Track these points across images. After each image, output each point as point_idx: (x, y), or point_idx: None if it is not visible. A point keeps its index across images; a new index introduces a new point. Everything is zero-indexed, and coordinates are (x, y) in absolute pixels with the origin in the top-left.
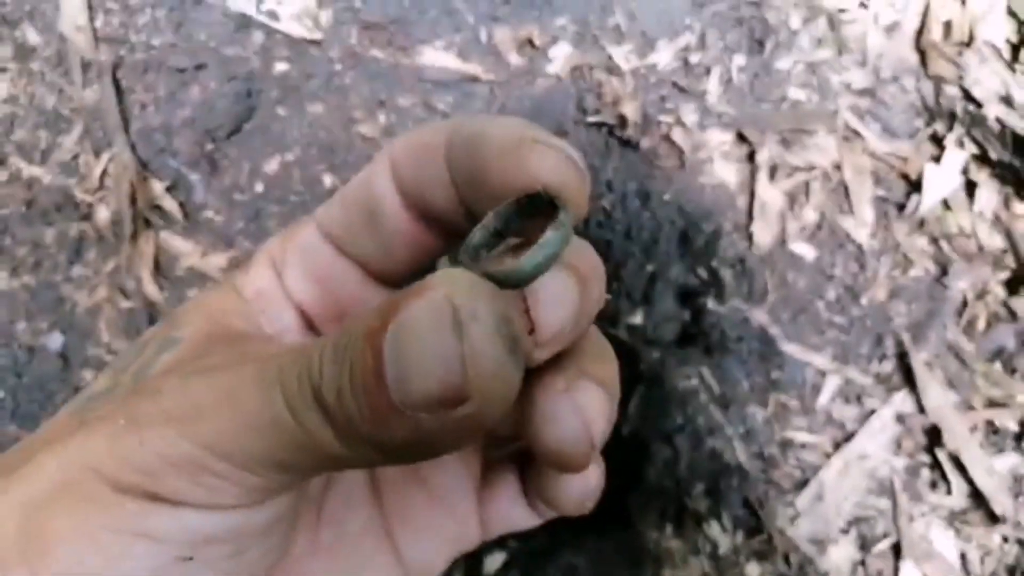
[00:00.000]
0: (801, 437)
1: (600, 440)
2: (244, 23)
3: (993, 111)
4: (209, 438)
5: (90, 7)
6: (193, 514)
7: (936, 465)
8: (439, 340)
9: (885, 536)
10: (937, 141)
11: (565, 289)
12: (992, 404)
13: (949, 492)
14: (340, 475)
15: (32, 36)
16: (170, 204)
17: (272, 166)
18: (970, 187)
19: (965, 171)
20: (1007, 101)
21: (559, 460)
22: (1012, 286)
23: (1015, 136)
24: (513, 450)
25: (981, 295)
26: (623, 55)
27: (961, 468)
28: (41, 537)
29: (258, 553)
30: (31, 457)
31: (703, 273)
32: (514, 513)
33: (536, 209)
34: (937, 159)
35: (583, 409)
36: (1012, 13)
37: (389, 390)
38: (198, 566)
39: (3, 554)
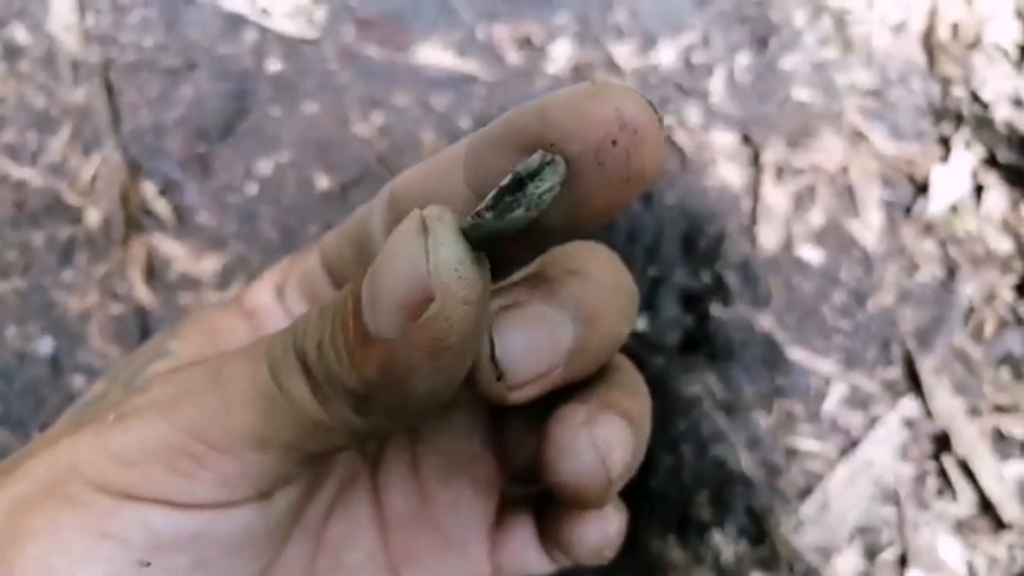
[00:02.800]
0: (806, 444)
1: (620, 475)
2: (236, 22)
3: (1001, 113)
4: (190, 420)
5: (80, 7)
6: (159, 514)
7: (942, 472)
8: (407, 245)
9: (891, 545)
10: (944, 143)
11: (537, 338)
12: (1000, 410)
13: (955, 499)
14: (344, 504)
15: (21, 36)
16: (162, 207)
17: (266, 167)
18: (978, 190)
19: (973, 174)
20: (1015, 103)
21: (574, 495)
22: (1021, 290)
23: (1023, 138)
24: (532, 492)
25: (989, 300)
26: (624, 54)
27: (968, 475)
28: (16, 535)
29: (223, 570)
30: (27, 460)
31: (707, 277)
32: (528, 557)
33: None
34: (944, 161)
35: (602, 442)
36: (1020, 15)
37: (364, 323)
38: (155, 574)
39: None
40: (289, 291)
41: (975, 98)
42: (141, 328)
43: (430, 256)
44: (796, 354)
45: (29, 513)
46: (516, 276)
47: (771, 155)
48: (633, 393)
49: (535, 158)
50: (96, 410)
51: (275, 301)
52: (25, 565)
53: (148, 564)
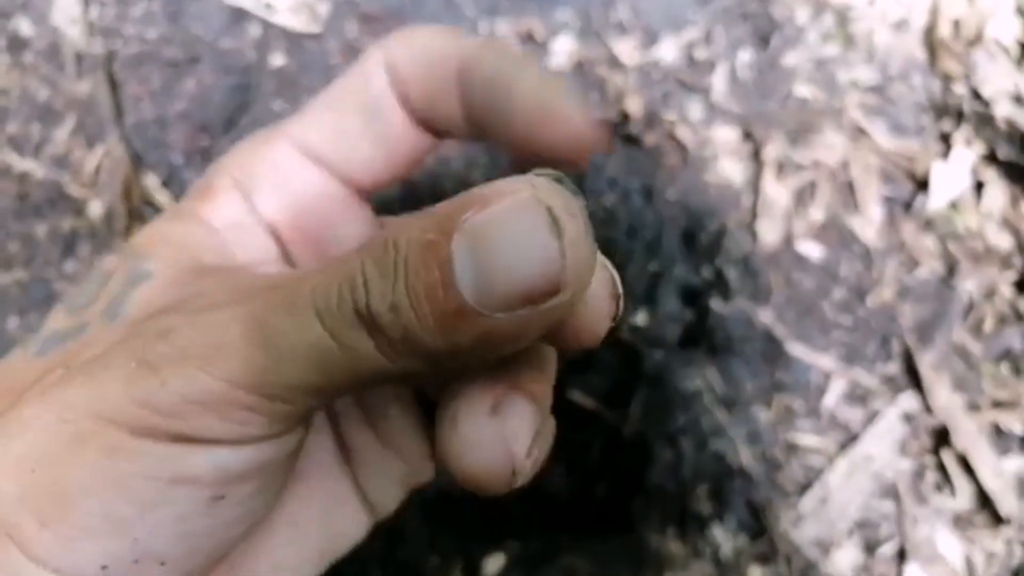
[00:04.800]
0: (806, 439)
1: (525, 469)
2: (240, 16)
3: (1001, 110)
4: (237, 373)
5: None
6: (226, 451)
7: (941, 467)
8: (536, 238)
9: (890, 539)
10: (945, 140)
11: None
12: (999, 405)
13: (954, 494)
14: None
15: (25, 28)
16: (164, 199)
17: None
18: (978, 187)
19: (973, 170)
20: (1016, 100)
21: (477, 486)
22: (1020, 287)
23: (1023, 136)
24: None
25: (989, 296)
26: (626, 50)
27: (967, 470)
28: (58, 494)
29: (275, 487)
30: (12, 412)
31: (707, 273)
32: None
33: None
34: (945, 158)
35: (511, 435)
36: (1021, 12)
37: (462, 296)
38: (227, 505)
39: (9, 518)
40: (259, 192)
41: (976, 95)
42: None
43: (567, 257)
44: (796, 349)
45: (65, 468)
46: None
47: (772, 151)
48: (541, 370)
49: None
50: (83, 348)
51: (246, 210)
52: (87, 520)
53: (222, 497)
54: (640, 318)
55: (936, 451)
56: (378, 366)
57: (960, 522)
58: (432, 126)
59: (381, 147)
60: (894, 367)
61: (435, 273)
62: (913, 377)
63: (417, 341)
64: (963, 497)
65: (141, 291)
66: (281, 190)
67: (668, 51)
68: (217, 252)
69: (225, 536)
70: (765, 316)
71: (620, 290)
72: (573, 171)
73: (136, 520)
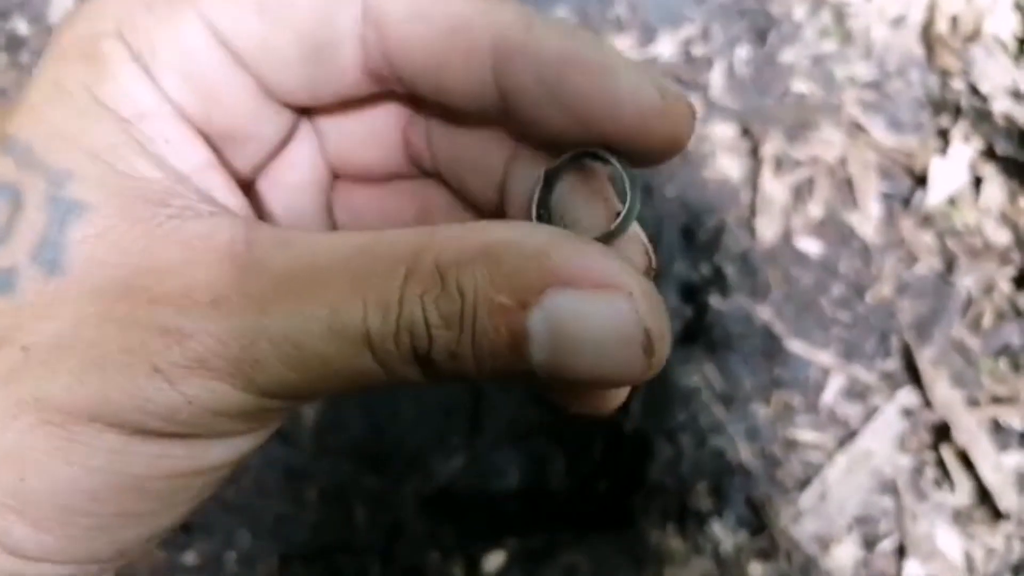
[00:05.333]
0: (805, 435)
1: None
2: None
3: (999, 106)
4: (267, 388)
5: None
6: (228, 441)
7: (940, 463)
8: (627, 354)
9: (889, 535)
10: (943, 135)
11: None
12: (998, 401)
13: (953, 490)
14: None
15: (22, 27)
16: None
17: None
18: (976, 182)
19: (971, 166)
20: (1013, 95)
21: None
22: (1019, 282)
23: (1021, 131)
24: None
25: (987, 291)
26: (624, 47)
27: (966, 465)
28: (59, 504)
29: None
30: None
31: (706, 269)
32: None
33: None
34: (943, 154)
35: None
36: (1019, 7)
37: (531, 365)
38: (212, 476)
39: None
40: (165, 76)
41: (974, 91)
42: None
43: (650, 371)
44: (795, 345)
45: (59, 476)
46: None
47: (770, 147)
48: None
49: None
50: (27, 315)
51: (158, 95)
52: (96, 522)
53: (211, 474)
54: None
55: (935, 447)
56: (414, 382)
57: (959, 517)
58: (403, 85)
59: (314, 79)
60: (893, 363)
61: (505, 338)
62: (912, 373)
63: (467, 376)
64: (962, 492)
65: (77, 231)
66: (189, 78)
67: (666, 48)
68: (150, 160)
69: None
70: (764, 312)
71: (651, 254)
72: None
73: (145, 513)
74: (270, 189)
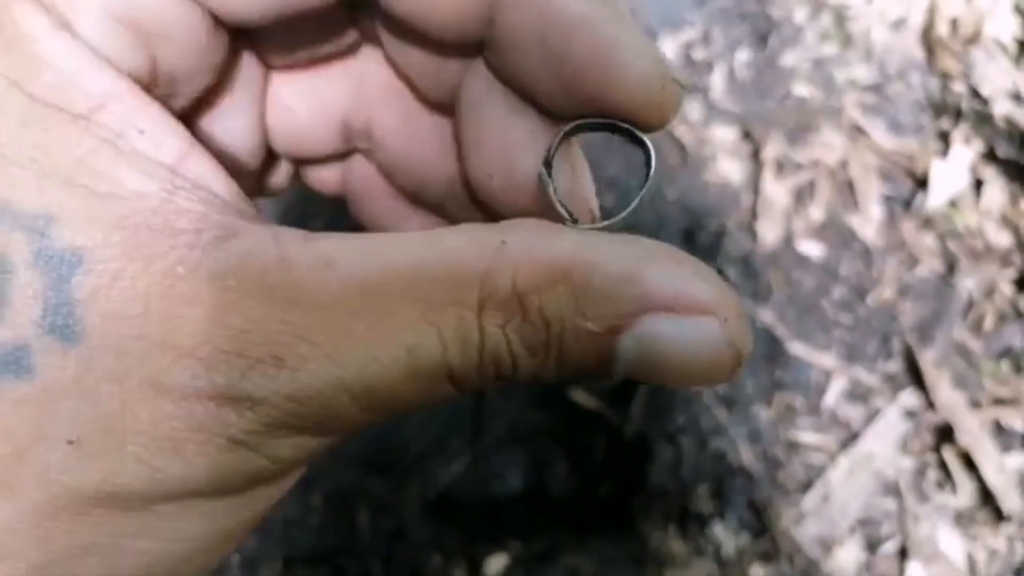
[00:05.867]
0: (807, 437)
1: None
2: None
3: (1000, 108)
4: (348, 431)
5: None
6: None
7: (943, 465)
8: (719, 372)
9: (891, 537)
10: (944, 138)
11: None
12: (1000, 403)
13: (955, 492)
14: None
15: None
16: None
17: None
18: (977, 185)
19: (972, 168)
20: (1014, 98)
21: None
22: (1020, 284)
23: (1022, 133)
24: None
25: (988, 293)
26: None
27: (969, 467)
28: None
29: None
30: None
31: None
32: None
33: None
34: (944, 156)
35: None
36: (1019, 10)
37: (614, 372)
38: None
39: None
40: (98, 31)
41: (974, 93)
42: None
43: (737, 375)
44: (796, 348)
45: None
46: None
47: (771, 150)
48: None
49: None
50: (52, 394)
51: (97, 66)
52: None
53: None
54: None
55: (937, 449)
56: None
57: (962, 519)
58: (381, 17)
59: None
60: (895, 365)
61: (592, 359)
62: (914, 375)
63: (539, 382)
64: (964, 494)
65: (82, 286)
66: (126, 22)
67: (666, 51)
68: (130, 167)
69: None
70: (765, 315)
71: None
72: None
73: (225, 551)
74: (205, 115)
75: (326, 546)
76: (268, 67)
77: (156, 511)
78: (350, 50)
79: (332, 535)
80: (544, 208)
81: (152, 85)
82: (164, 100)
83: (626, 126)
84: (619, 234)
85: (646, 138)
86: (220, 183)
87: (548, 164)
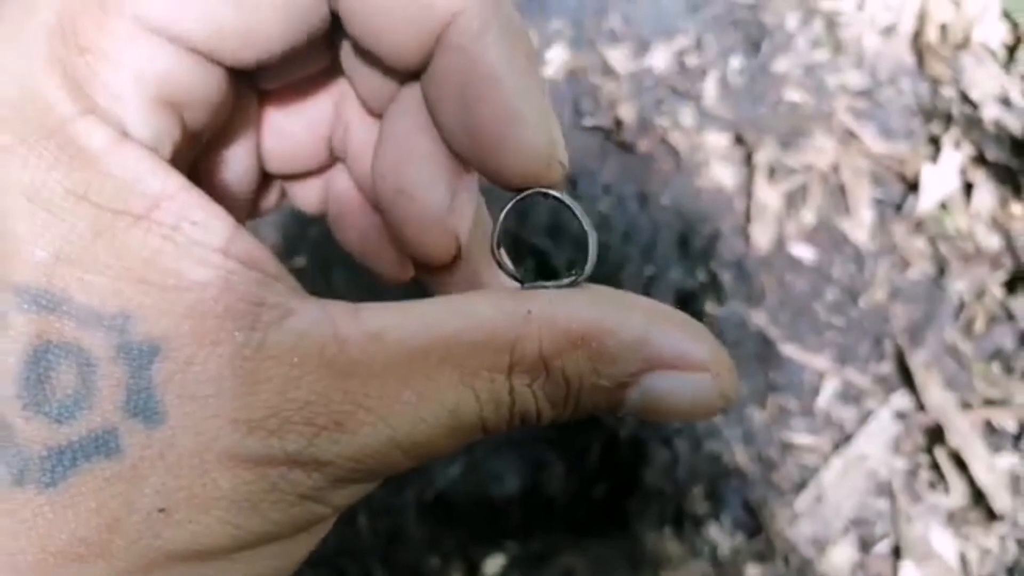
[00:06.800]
0: (800, 439)
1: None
2: None
3: (989, 112)
4: (393, 476)
5: None
6: None
7: (935, 465)
8: (710, 413)
9: (884, 537)
10: (934, 142)
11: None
12: (990, 403)
13: (947, 492)
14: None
15: None
16: None
17: None
18: (967, 188)
19: (962, 172)
20: (1003, 102)
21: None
22: (1010, 286)
23: (1011, 137)
24: None
25: (979, 296)
26: (619, 58)
27: (960, 467)
28: None
29: None
30: None
31: (701, 276)
32: None
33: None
34: (934, 160)
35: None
36: (1007, 16)
37: (618, 411)
38: None
39: None
40: (132, 113)
41: (964, 98)
42: None
43: (724, 411)
44: (789, 350)
45: None
46: None
47: (764, 155)
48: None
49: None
50: (139, 472)
51: (152, 166)
52: None
53: None
54: None
55: (929, 449)
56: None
57: (954, 519)
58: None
59: (286, 23)
60: (887, 367)
61: (603, 407)
62: (905, 376)
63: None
64: (957, 494)
65: (160, 372)
66: (155, 95)
67: (660, 59)
68: (190, 259)
69: None
70: (759, 318)
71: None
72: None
73: None
74: (208, 151)
75: (326, 548)
76: (260, 92)
77: (235, 558)
78: (331, 68)
79: (332, 537)
80: (472, 260)
81: (185, 148)
82: (184, 157)
83: (554, 194)
84: (628, 295)
85: (576, 207)
86: (265, 257)
87: (498, 244)
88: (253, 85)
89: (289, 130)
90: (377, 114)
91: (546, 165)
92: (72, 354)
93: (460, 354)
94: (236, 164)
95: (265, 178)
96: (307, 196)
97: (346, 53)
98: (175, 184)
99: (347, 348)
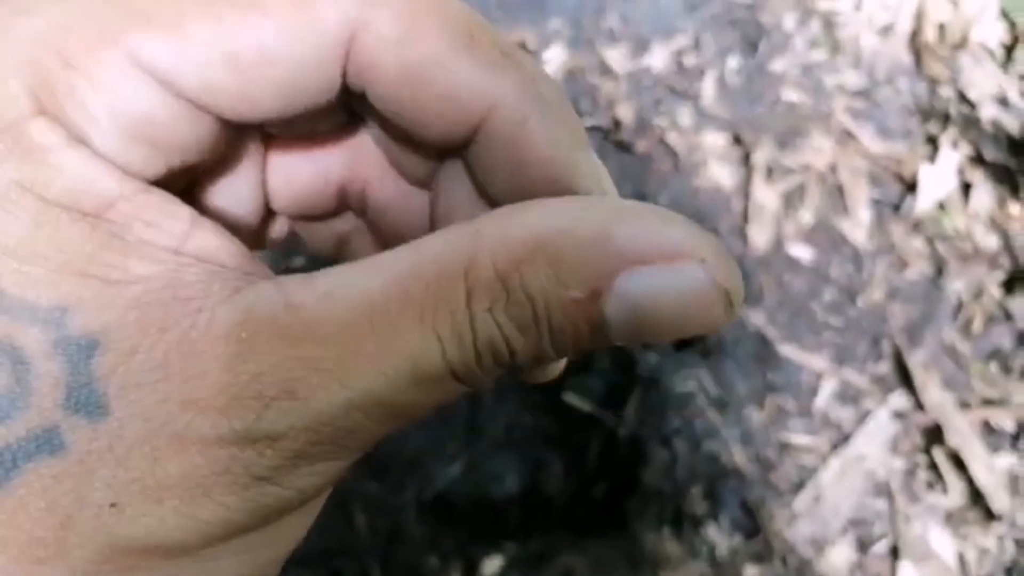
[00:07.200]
0: (798, 439)
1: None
2: None
3: (987, 112)
4: (367, 446)
5: None
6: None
7: (933, 465)
8: (710, 316)
9: (883, 537)
10: (932, 142)
11: None
12: (989, 403)
13: (945, 492)
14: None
15: None
16: None
17: None
18: (965, 188)
19: (960, 172)
20: (1001, 102)
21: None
22: (1008, 286)
23: (1009, 137)
24: None
25: (977, 296)
26: (617, 58)
27: (959, 467)
28: None
29: None
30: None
31: None
32: None
33: None
34: (932, 160)
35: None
36: (1005, 15)
37: (612, 339)
38: None
39: None
40: (107, 143)
41: (962, 97)
42: None
43: (732, 315)
44: (787, 350)
45: None
46: None
47: (761, 155)
48: None
49: None
50: (86, 466)
51: (106, 171)
52: None
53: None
54: None
55: (927, 449)
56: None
57: (952, 519)
58: (377, 111)
59: (285, 113)
60: (885, 367)
61: (585, 330)
62: (904, 376)
63: (544, 360)
64: (955, 494)
65: (102, 365)
66: (128, 129)
67: (658, 58)
68: (139, 257)
69: None
70: (757, 318)
71: None
72: None
73: None
74: (208, 185)
75: (323, 548)
76: (268, 137)
77: (203, 555)
78: (345, 127)
79: (329, 537)
80: None
81: (163, 183)
82: (171, 185)
83: None
84: (591, 197)
85: None
86: (225, 253)
87: None
88: (260, 131)
89: (296, 175)
90: (412, 179)
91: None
92: (4, 352)
93: (418, 294)
94: (241, 201)
95: (271, 212)
96: (320, 238)
97: (377, 131)
98: (132, 187)
99: (299, 314)
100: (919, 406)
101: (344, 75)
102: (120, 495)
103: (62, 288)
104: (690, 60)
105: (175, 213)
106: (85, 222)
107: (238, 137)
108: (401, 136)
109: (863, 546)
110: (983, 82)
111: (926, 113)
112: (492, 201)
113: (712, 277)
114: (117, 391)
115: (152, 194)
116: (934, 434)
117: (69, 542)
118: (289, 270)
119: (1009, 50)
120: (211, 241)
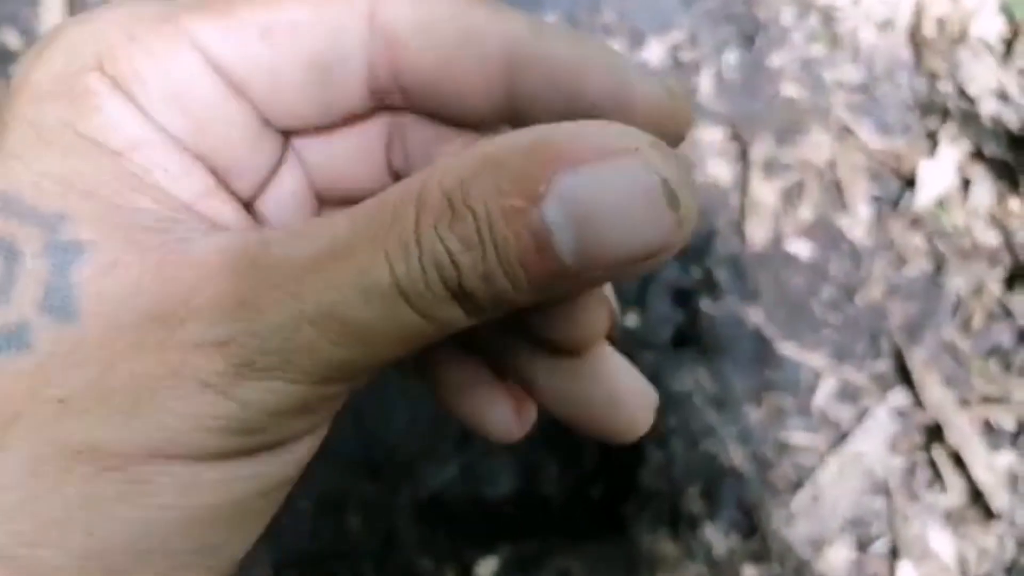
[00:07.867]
0: (796, 438)
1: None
2: None
3: (986, 107)
4: (321, 372)
5: (70, 10)
6: (292, 445)
7: (932, 464)
8: (652, 213)
9: (881, 536)
10: (931, 137)
11: None
12: (988, 401)
13: (945, 491)
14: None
15: (12, 40)
16: None
17: None
18: (964, 184)
19: (960, 168)
20: (1001, 97)
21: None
22: (1008, 283)
23: (1009, 132)
24: None
25: (977, 292)
26: None
27: (958, 465)
28: (132, 552)
29: None
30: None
31: (697, 273)
32: None
33: None
34: (931, 155)
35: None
36: (1004, 10)
37: (562, 260)
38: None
39: None
40: (155, 104)
41: (961, 93)
42: None
43: (683, 226)
44: (786, 348)
45: (132, 522)
46: None
47: (759, 151)
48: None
49: None
50: (50, 365)
51: (141, 120)
52: (179, 559)
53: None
54: (631, 320)
55: (927, 448)
56: (462, 327)
57: (952, 518)
58: (407, 102)
59: (320, 102)
60: (884, 365)
61: (528, 241)
62: (903, 374)
63: (508, 300)
64: (954, 493)
65: (81, 271)
66: (181, 106)
67: (654, 53)
68: (146, 193)
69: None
70: (755, 315)
71: (617, 315)
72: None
73: (220, 544)
74: (264, 213)
75: (317, 550)
76: (319, 198)
77: (136, 472)
78: (379, 127)
79: (323, 539)
80: None
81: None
82: (223, 185)
83: None
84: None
85: None
86: (239, 224)
87: None
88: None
89: (343, 163)
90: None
91: (669, 106)
92: (4, 247)
93: (374, 220)
94: (294, 206)
95: (323, 203)
96: None
97: (411, 119)
98: (160, 137)
99: (272, 246)
100: (918, 404)
101: (371, 65)
102: (69, 391)
103: (68, 200)
104: (687, 55)
105: (197, 175)
106: (109, 157)
107: (275, 138)
108: (440, 114)
109: (862, 545)
110: (983, 77)
111: (925, 108)
112: None
113: (647, 166)
114: (90, 300)
115: (180, 151)
116: (934, 432)
117: (12, 434)
118: None
119: (1009, 45)
120: (227, 214)
